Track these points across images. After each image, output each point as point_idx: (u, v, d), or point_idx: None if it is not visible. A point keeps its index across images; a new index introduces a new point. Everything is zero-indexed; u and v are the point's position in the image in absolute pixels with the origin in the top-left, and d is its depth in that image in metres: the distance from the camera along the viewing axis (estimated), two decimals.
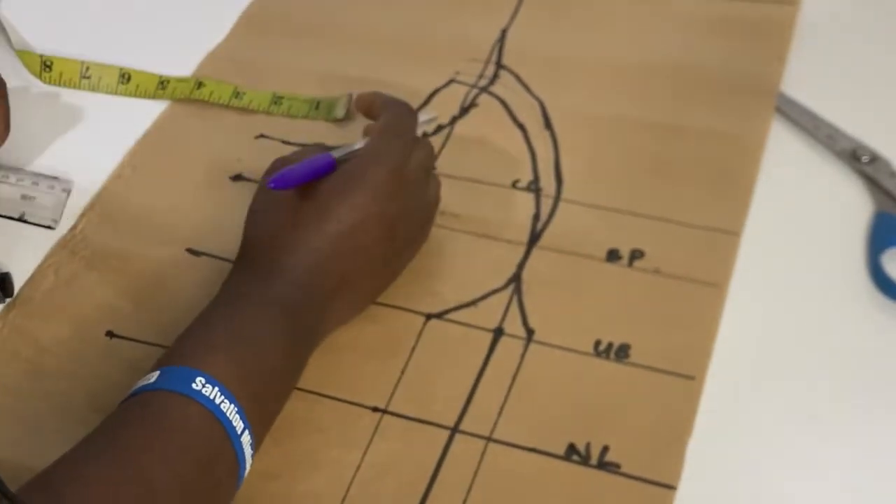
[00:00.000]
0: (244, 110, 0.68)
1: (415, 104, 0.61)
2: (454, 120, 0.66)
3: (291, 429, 0.51)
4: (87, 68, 0.70)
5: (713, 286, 0.56)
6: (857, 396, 0.52)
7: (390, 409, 0.53)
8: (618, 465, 0.50)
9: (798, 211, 0.60)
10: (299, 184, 0.53)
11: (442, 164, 0.62)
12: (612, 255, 0.58)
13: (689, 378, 0.52)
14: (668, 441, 0.50)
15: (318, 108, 0.67)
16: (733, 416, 0.51)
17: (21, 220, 0.61)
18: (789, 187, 0.61)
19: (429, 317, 0.56)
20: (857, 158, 0.61)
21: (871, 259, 0.57)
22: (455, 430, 0.52)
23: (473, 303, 0.56)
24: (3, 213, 0.62)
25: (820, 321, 0.55)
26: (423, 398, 0.53)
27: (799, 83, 0.65)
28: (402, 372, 0.54)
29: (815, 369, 0.53)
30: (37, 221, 0.62)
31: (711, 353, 0.53)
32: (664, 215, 0.59)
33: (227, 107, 0.68)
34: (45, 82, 0.69)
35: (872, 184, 0.60)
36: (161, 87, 0.69)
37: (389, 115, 0.57)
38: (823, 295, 0.56)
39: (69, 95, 0.69)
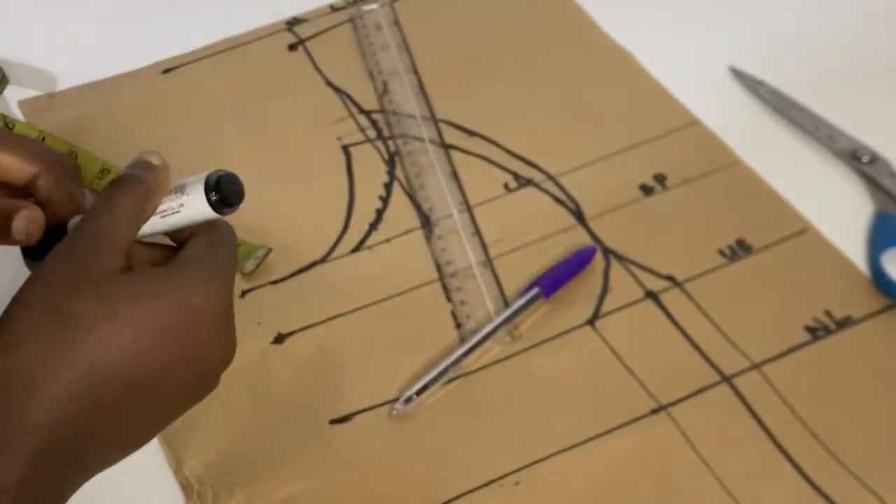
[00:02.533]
0: None
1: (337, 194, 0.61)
2: (392, 178, 0.63)
3: None
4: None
5: (731, 165, 0.63)
6: None
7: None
8: (851, 317, 0.56)
9: (799, 210, 0.60)
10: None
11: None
12: (646, 189, 0.62)
13: (803, 232, 0.60)
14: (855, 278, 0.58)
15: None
16: None
17: None
18: (789, 187, 0.61)
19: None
20: (858, 158, 0.62)
21: (871, 259, 0.57)
22: (728, 379, 0.54)
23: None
24: None
25: None
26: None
27: (799, 84, 0.66)
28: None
29: None
30: None
31: (795, 207, 0.60)
32: (635, 142, 0.64)
33: None
34: None
35: (872, 184, 0.61)
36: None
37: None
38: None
39: None
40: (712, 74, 0.68)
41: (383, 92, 0.67)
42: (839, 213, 0.60)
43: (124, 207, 0.41)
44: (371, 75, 0.68)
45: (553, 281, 0.56)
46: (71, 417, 0.38)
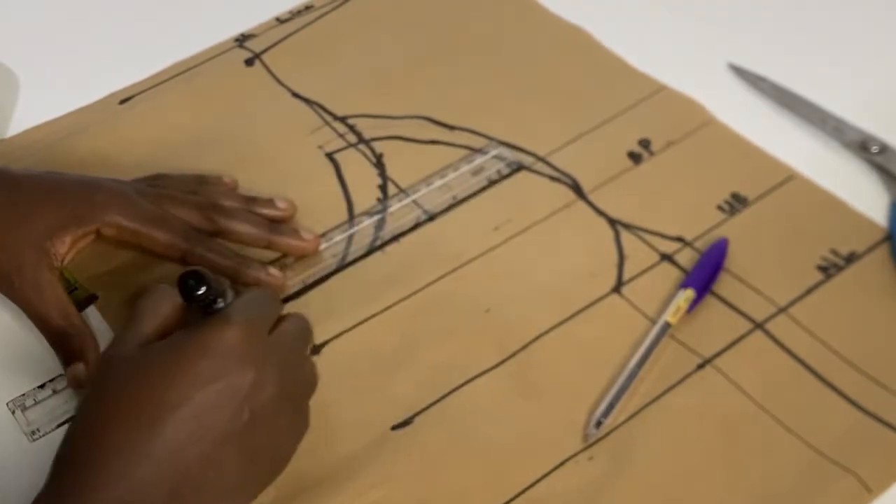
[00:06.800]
0: None
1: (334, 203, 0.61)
2: (385, 179, 0.62)
3: None
4: None
5: (707, 124, 0.65)
6: None
7: None
8: (855, 251, 0.58)
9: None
10: None
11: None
12: (634, 157, 0.63)
13: (791, 178, 0.62)
14: (848, 216, 0.61)
15: None
16: None
17: None
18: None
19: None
20: (867, 149, 0.62)
21: (892, 248, 0.58)
22: (760, 325, 0.56)
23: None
24: None
25: None
26: None
27: (799, 78, 0.66)
28: None
29: None
30: None
31: (775, 157, 0.63)
32: (611, 114, 0.66)
33: None
34: None
35: (885, 173, 0.61)
36: None
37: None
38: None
39: None
40: (712, 73, 0.68)
41: (355, 96, 0.66)
42: (856, 205, 0.61)
43: None
44: (337, 80, 0.67)
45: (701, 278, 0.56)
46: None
